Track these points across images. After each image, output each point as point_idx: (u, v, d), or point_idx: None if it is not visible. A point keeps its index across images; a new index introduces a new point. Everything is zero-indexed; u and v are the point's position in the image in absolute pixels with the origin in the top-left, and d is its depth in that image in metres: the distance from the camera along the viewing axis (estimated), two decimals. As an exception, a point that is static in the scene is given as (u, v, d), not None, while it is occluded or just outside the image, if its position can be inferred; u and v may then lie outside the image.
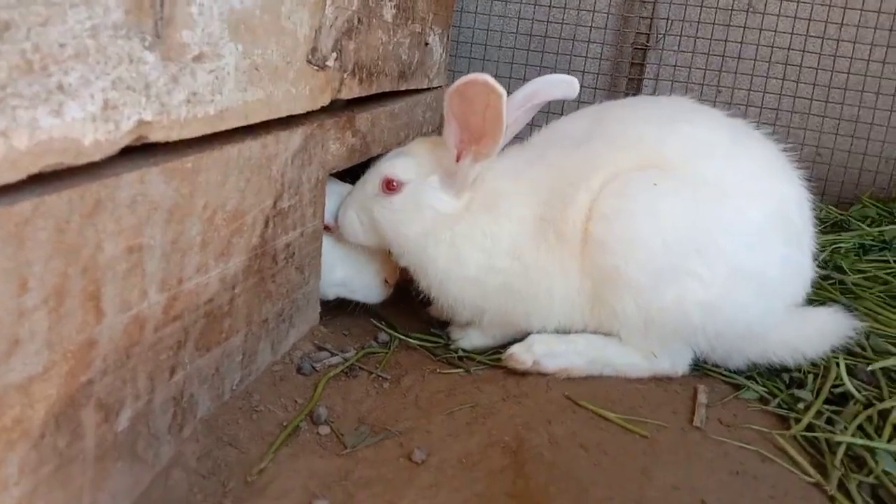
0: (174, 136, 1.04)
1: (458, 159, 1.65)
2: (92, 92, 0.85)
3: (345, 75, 1.65)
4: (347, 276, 1.87)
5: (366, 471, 1.33)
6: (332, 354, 1.73)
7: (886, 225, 2.41)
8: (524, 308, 1.68)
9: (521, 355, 1.66)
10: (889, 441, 1.47)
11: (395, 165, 1.72)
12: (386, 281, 1.89)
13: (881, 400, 1.60)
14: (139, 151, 1.01)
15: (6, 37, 0.72)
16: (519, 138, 1.79)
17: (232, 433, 1.37)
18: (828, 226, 2.50)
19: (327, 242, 1.78)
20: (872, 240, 2.35)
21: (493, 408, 1.52)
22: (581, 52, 2.99)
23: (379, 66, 1.88)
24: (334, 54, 1.56)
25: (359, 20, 1.66)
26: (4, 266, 0.80)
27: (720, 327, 1.59)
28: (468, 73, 3.00)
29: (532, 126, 1.82)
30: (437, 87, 2.57)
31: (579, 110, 1.82)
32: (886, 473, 1.39)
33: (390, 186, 1.70)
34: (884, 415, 1.55)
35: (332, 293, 1.86)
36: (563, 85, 1.77)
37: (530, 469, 1.31)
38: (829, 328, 1.68)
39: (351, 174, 1.91)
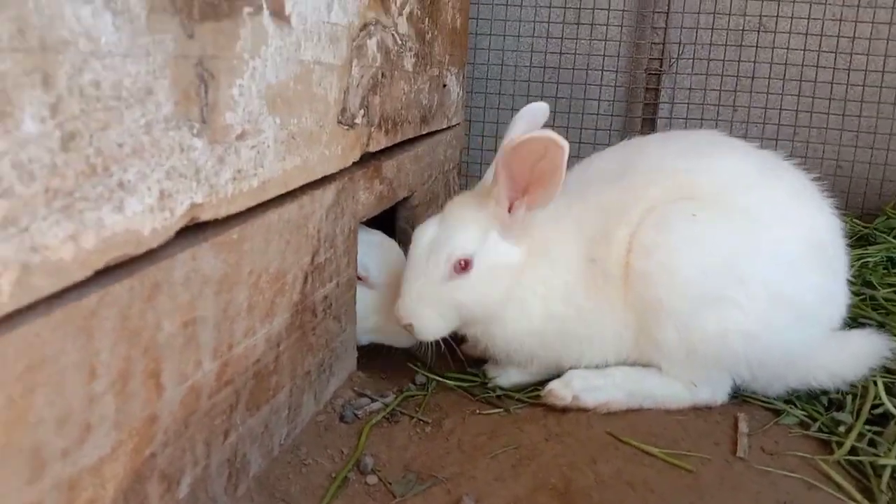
0: (223, 212, 1.08)
1: (510, 210, 1.65)
2: (149, 185, 0.89)
3: (372, 129, 1.69)
4: (379, 323, 1.90)
5: (417, 520, 1.35)
6: (373, 400, 1.75)
7: (914, 237, 2.42)
8: (578, 349, 1.70)
9: (560, 391, 1.68)
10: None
11: (458, 244, 1.65)
12: None
13: (922, 418, 1.60)
14: (190, 230, 1.05)
15: (72, 146, 0.77)
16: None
17: (283, 489, 1.40)
18: (854, 240, 2.50)
19: (359, 292, 1.81)
20: (901, 253, 2.36)
21: (536, 448, 1.54)
22: (595, 81, 3.02)
23: (402, 115, 1.92)
24: (362, 111, 1.60)
25: (382, 75, 1.71)
26: (75, 359, 0.84)
27: (761, 355, 1.61)
28: (484, 108, 3.07)
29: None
30: (455, 126, 2.62)
31: (611, 147, 1.85)
32: (934, 496, 1.40)
33: (462, 266, 1.65)
34: (926, 434, 1.56)
35: (365, 339, 1.89)
36: (542, 110, 1.86)
37: (579, 510, 1.32)
38: (864, 351, 1.69)
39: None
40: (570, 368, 1.72)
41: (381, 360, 1.95)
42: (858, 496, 1.40)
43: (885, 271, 2.26)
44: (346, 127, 1.51)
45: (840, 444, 1.55)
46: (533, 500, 1.37)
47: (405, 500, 1.42)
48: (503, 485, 1.43)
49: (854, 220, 2.63)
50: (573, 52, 2.99)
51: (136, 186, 0.87)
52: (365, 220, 1.83)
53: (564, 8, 2.97)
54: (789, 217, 1.64)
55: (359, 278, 1.82)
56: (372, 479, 1.48)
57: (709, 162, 1.70)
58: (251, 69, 1.10)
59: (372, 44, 1.61)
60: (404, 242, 2.23)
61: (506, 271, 1.67)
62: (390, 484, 1.47)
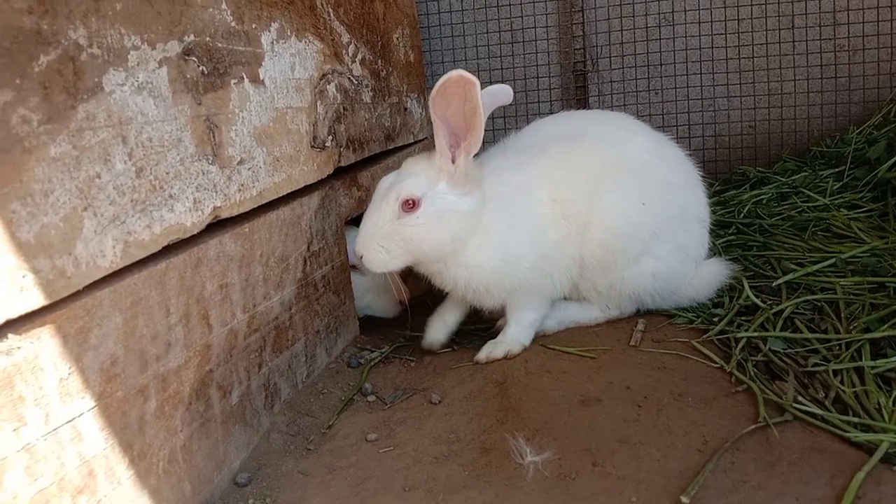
0: (235, 212, 1.67)
1: (453, 161, 1.92)
2: (187, 195, 1.48)
3: (341, 149, 2.28)
4: (371, 300, 2.50)
5: (400, 414, 1.91)
6: (372, 352, 2.33)
7: (800, 174, 2.93)
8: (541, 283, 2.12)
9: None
10: (781, 331, 2.00)
11: (406, 186, 1.91)
12: (400, 301, 2.51)
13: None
14: (216, 225, 1.64)
15: (142, 175, 1.36)
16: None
17: (307, 408, 1.97)
18: (755, 183, 3.02)
19: (354, 278, 2.40)
20: (788, 188, 2.87)
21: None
22: (534, 87, 3.61)
23: (367, 136, 2.51)
24: (330, 137, 2.19)
25: (344, 108, 2.30)
26: (157, 300, 1.42)
27: (662, 289, 2.18)
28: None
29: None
30: (422, 139, 3.20)
31: (555, 115, 2.39)
32: (773, 351, 1.92)
33: (409, 205, 1.91)
34: (778, 314, 2.08)
35: (362, 313, 2.48)
36: (503, 92, 2.18)
37: (511, 390, 1.88)
38: (713, 276, 2.25)
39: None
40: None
41: (378, 327, 2.53)
42: (718, 360, 1.93)
43: (775, 205, 2.78)
44: (318, 150, 2.11)
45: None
46: (481, 390, 1.93)
47: (394, 405, 1.98)
48: (461, 386, 1.99)
49: (758, 168, 3.15)
50: (512, 66, 3.58)
51: (179, 196, 1.46)
52: (350, 218, 2.42)
53: (500, 32, 3.57)
54: (683, 188, 2.21)
55: (353, 267, 2.40)
56: (371, 398, 2.05)
57: (632, 139, 2.22)
58: (241, 118, 1.70)
59: (331, 87, 2.21)
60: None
61: (453, 216, 1.93)
62: (383, 399, 2.03)
